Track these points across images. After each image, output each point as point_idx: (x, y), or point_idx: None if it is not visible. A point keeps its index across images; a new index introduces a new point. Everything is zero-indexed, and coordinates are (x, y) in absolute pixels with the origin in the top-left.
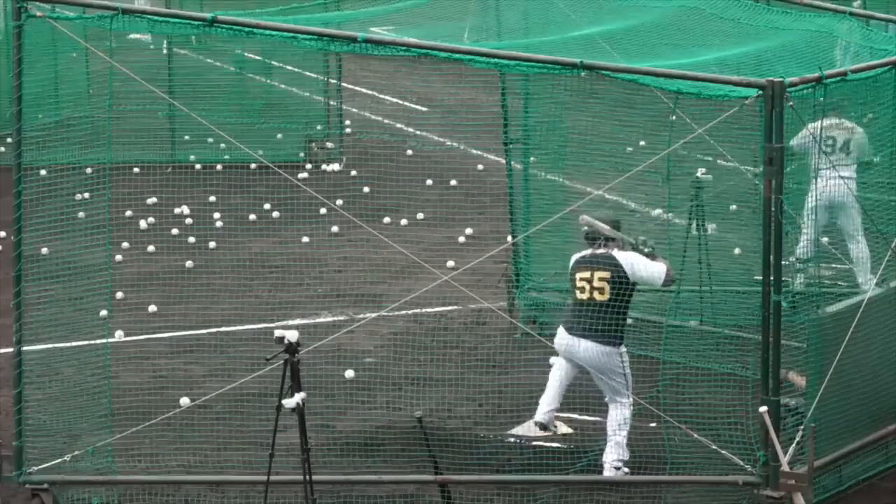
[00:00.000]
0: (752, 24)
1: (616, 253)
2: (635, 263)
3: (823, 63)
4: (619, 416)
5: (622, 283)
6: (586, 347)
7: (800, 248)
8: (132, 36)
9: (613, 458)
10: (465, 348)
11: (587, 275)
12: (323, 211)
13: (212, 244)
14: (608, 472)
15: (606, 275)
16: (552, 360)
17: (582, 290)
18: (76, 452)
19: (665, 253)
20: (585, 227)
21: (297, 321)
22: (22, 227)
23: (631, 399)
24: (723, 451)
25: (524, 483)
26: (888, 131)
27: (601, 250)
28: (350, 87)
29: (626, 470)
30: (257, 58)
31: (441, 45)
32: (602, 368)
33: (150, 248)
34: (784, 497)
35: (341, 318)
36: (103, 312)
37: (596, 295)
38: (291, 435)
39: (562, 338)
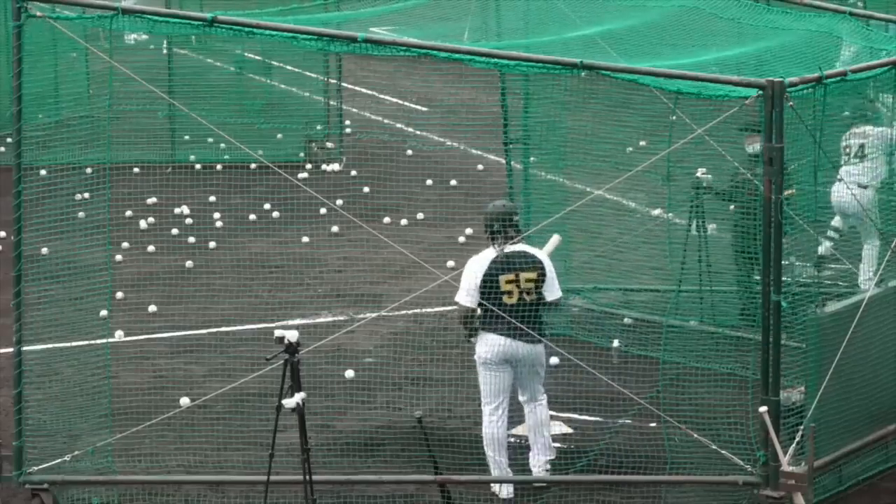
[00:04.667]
0: (752, 24)
1: (533, 250)
2: (552, 269)
3: (823, 63)
4: (540, 416)
5: (544, 282)
6: (527, 349)
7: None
8: (129, 36)
9: (544, 458)
10: (465, 348)
11: (512, 277)
12: (323, 211)
13: (212, 244)
14: (539, 474)
15: (533, 275)
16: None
17: (509, 294)
18: (76, 452)
19: (665, 253)
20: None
21: (297, 321)
22: (22, 227)
23: (546, 396)
24: (723, 451)
25: (524, 483)
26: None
27: (514, 247)
28: (350, 87)
29: (550, 468)
30: (257, 58)
31: (441, 45)
32: (536, 362)
33: (150, 248)
34: (784, 497)
35: (341, 318)
36: (103, 312)
37: (525, 296)
38: (291, 435)
39: (495, 343)
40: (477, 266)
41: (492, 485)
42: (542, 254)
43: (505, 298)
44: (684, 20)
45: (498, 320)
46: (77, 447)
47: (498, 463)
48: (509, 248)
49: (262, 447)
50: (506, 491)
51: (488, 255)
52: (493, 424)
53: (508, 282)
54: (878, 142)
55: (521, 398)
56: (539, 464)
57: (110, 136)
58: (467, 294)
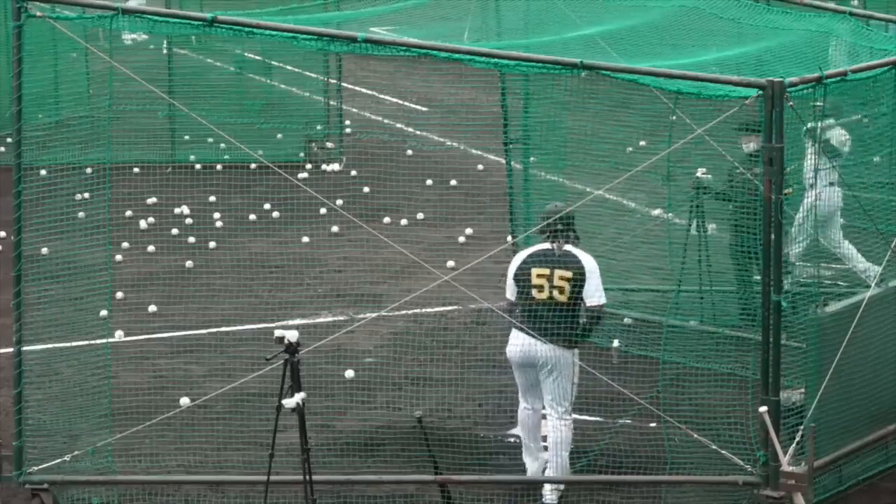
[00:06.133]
0: (752, 24)
1: (578, 252)
2: (595, 272)
3: (823, 63)
4: (561, 436)
5: (582, 284)
6: (549, 352)
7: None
8: (126, 36)
9: (552, 488)
10: (465, 348)
11: (545, 272)
12: (323, 211)
13: (212, 244)
14: (550, 497)
15: (568, 274)
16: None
17: (540, 288)
18: (76, 452)
19: (665, 253)
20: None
21: (297, 321)
22: (22, 227)
23: (572, 416)
24: (723, 451)
25: (524, 483)
26: (888, 131)
27: (554, 246)
28: (350, 87)
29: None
30: (257, 58)
31: (441, 45)
32: (560, 368)
33: (150, 248)
34: (784, 497)
35: (341, 318)
36: (103, 312)
37: (556, 294)
38: (291, 435)
39: (518, 343)
40: (516, 258)
41: (526, 467)
42: (588, 258)
43: (535, 293)
44: (684, 20)
45: (525, 317)
46: (77, 447)
47: (528, 448)
48: (555, 247)
49: (262, 447)
50: (548, 496)
51: (532, 248)
52: (525, 410)
53: (540, 276)
54: (839, 139)
55: (546, 408)
56: (548, 491)
57: (110, 136)
58: (507, 287)
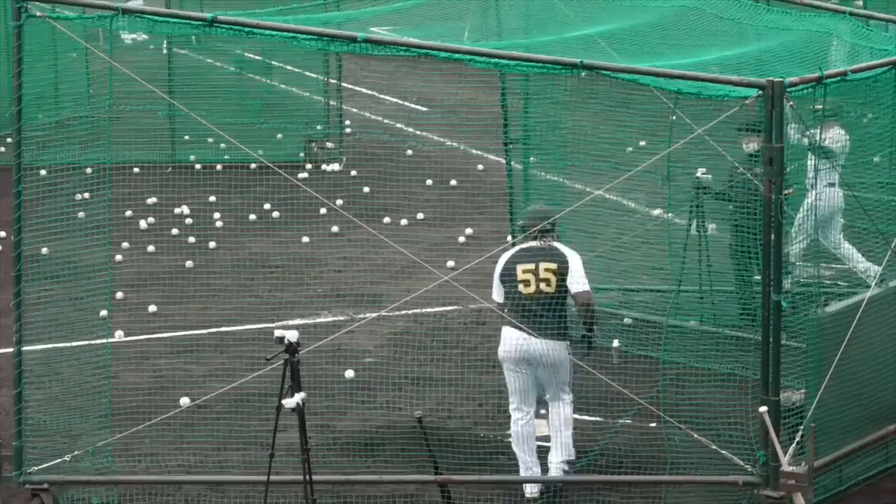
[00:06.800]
0: (752, 24)
1: (560, 246)
2: (578, 263)
3: (823, 63)
4: (562, 415)
5: (566, 275)
6: (542, 345)
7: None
8: (126, 36)
9: (560, 459)
10: (465, 348)
11: (530, 267)
12: (323, 211)
13: (212, 244)
14: (555, 473)
15: (553, 266)
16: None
17: (526, 283)
18: (76, 452)
19: (665, 253)
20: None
21: (297, 321)
22: (22, 227)
23: (572, 395)
24: (723, 451)
25: (524, 483)
26: (888, 131)
27: (538, 243)
28: (350, 87)
29: (568, 469)
30: (257, 58)
31: (441, 45)
32: (556, 362)
33: (150, 248)
34: (784, 497)
35: (341, 318)
36: (103, 312)
37: (543, 287)
38: (291, 435)
39: (511, 341)
40: (500, 260)
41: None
42: (571, 251)
43: (521, 287)
44: (684, 20)
45: (515, 314)
46: (77, 447)
47: (524, 461)
48: (537, 244)
49: (262, 447)
50: (529, 490)
51: (514, 248)
52: (518, 423)
53: (525, 271)
54: (836, 143)
55: (546, 395)
56: (554, 463)
57: (110, 136)
58: (494, 288)
